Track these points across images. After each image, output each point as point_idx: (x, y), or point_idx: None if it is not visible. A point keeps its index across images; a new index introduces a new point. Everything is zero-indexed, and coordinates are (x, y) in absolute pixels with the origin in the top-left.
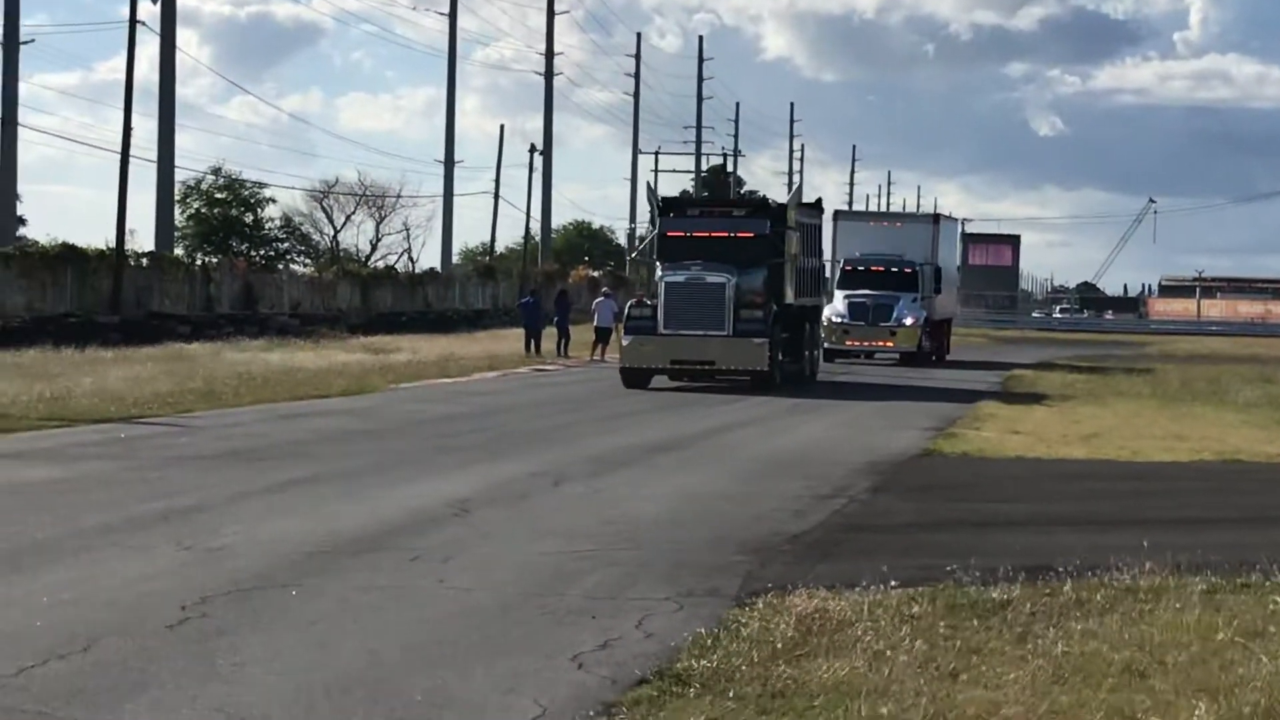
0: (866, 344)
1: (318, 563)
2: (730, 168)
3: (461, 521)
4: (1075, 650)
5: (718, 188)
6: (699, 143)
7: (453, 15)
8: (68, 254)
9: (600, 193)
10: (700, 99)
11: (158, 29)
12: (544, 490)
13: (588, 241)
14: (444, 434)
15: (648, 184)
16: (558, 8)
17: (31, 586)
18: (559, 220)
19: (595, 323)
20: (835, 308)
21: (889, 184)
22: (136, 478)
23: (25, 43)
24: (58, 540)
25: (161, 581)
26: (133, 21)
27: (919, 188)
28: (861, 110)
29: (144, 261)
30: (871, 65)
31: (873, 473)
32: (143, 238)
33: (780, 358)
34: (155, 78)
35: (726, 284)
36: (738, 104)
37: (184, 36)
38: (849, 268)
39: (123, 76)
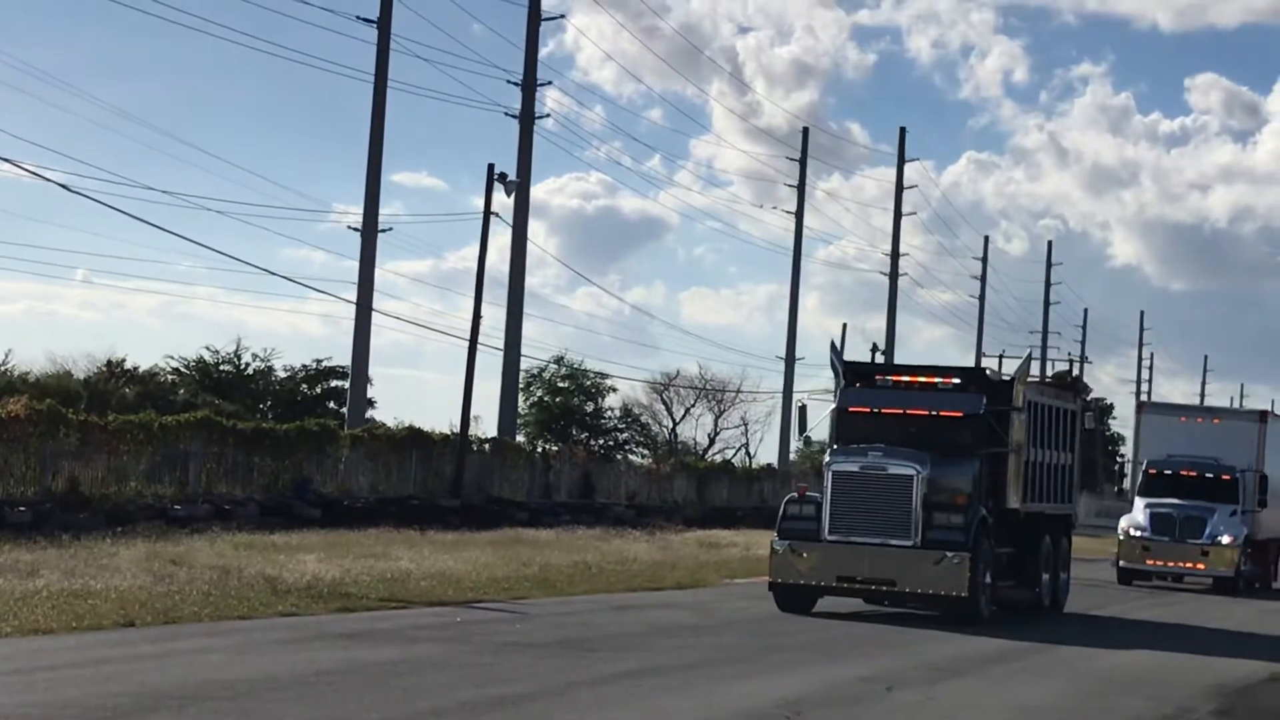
0: (1171, 564)
1: None
2: (1076, 373)
3: None
4: None
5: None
6: (1044, 347)
7: (799, 214)
8: (413, 437)
9: None
10: (1047, 303)
11: (509, 220)
12: (876, 696)
13: None
14: (776, 632)
15: (832, 343)
16: (904, 209)
17: None
18: None
19: None
20: (1134, 518)
21: (1242, 396)
22: (470, 662)
23: (383, 231)
24: None
25: None
26: (487, 212)
27: (1273, 401)
28: (1212, 320)
29: (486, 447)
30: (1223, 274)
31: (1218, 695)
32: (486, 423)
33: (993, 581)
34: (504, 267)
35: (914, 476)
36: (1085, 310)
37: (532, 228)
38: (1153, 471)
39: (471, 265)
